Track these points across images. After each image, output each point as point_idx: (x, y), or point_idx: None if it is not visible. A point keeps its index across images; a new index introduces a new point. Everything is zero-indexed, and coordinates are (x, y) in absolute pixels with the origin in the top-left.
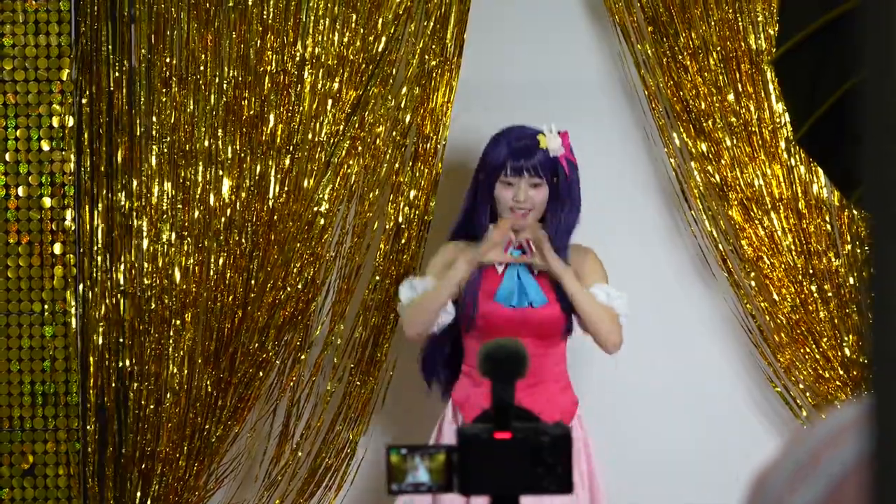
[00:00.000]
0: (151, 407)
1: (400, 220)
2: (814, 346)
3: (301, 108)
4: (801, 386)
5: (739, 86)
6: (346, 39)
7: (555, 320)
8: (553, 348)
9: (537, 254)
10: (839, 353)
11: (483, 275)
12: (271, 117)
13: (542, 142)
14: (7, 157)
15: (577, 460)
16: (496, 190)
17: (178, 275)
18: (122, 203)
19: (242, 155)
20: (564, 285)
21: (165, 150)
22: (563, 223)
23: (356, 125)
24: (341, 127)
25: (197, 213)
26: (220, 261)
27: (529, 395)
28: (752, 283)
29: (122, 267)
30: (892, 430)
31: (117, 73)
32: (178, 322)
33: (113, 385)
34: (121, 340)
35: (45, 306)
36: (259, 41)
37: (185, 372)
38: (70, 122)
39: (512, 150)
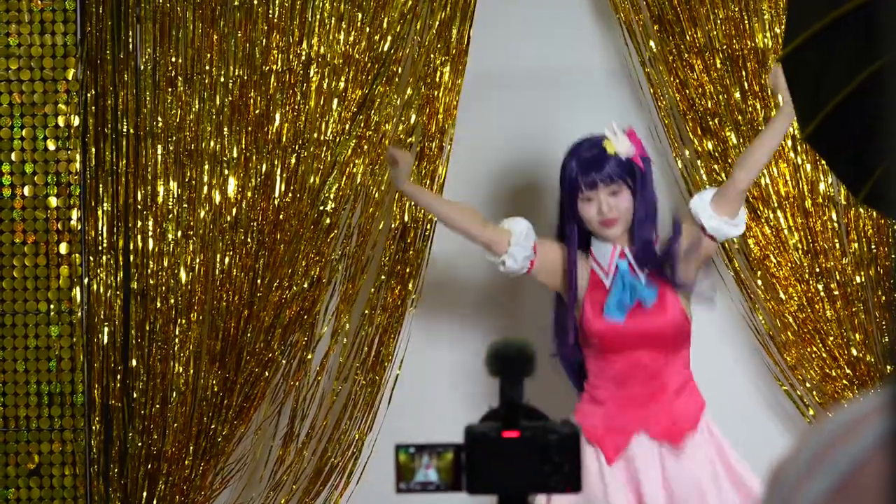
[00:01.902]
0: (157, 407)
1: (406, 219)
2: (820, 345)
3: (307, 107)
4: (807, 384)
5: (745, 84)
6: (351, 38)
7: (669, 326)
8: (672, 357)
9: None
10: (846, 352)
11: (590, 289)
12: (277, 116)
13: (609, 147)
14: (13, 156)
15: (709, 461)
16: (579, 208)
17: (183, 274)
18: (128, 202)
19: (248, 154)
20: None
21: (171, 150)
22: (646, 223)
23: (362, 124)
24: (347, 126)
25: (203, 213)
26: (226, 260)
27: (642, 406)
28: (759, 282)
29: (128, 266)
30: None
31: (123, 73)
32: (183, 321)
33: (119, 385)
34: (126, 340)
35: (51, 306)
36: (265, 40)
37: (191, 371)
38: (76, 121)
39: (581, 164)
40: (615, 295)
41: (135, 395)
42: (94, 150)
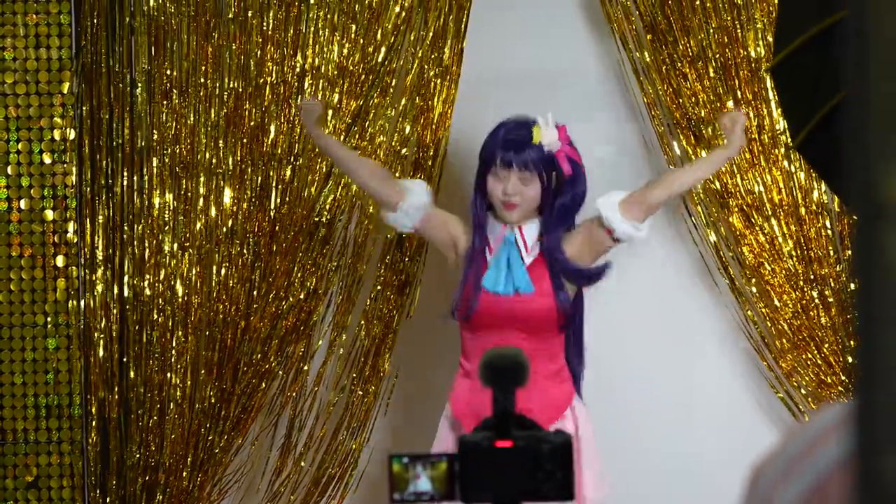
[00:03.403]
0: (154, 418)
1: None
2: (815, 352)
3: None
4: (803, 391)
5: (738, 93)
6: (345, 50)
7: (545, 312)
8: (543, 344)
9: (734, 133)
10: (841, 359)
11: (473, 262)
12: (272, 128)
13: (536, 135)
14: (9, 170)
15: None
16: (488, 182)
17: (180, 286)
18: (124, 215)
19: (243, 166)
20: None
21: (167, 162)
22: (557, 218)
23: (356, 135)
24: (342, 137)
25: (198, 224)
26: (222, 271)
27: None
28: (754, 290)
29: (125, 279)
30: (874, 431)
31: (118, 86)
32: (180, 333)
33: (116, 397)
34: (123, 352)
35: (48, 319)
36: (259, 52)
37: (188, 383)
38: (71, 134)
39: (504, 142)
40: (494, 266)
41: (132, 407)
42: (89, 162)
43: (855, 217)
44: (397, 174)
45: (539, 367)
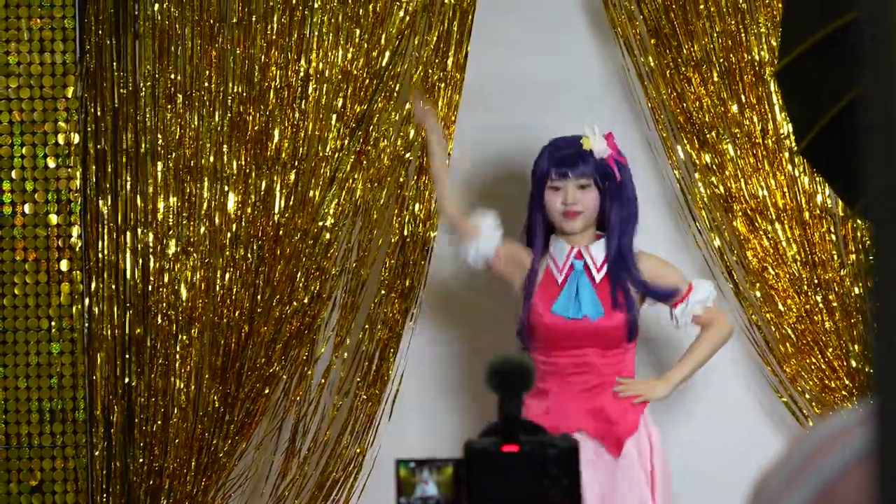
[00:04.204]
0: (158, 423)
1: (405, 233)
2: (819, 356)
3: (306, 123)
4: (807, 396)
5: (743, 97)
6: (349, 55)
7: (613, 330)
8: (613, 357)
9: (646, 394)
10: (845, 363)
11: (543, 284)
12: (276, 132)
13: (586, 144)
14: (13, 174)
15: (640, 461)
16: (545, 197)
17: (184, 290)
18: (128, 219)
19: (247, 170)
20: (689, 377)
21: (171, 166)
22: (624, 227)
23: (361, 140)
24: (346, 142)
25: (203, 229)
26: (227, 276)
27: (589, 399)
28: (758, 294)
29: (129, 283)
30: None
31: (122, 90)
32: (184, 337)
33: (120, 401)
34: (127, 356)
35: (52, 323)
36: (263, 57)
37: (192, 387)
38: (75, 139)
39: (556, 158)
40: (566, 293)
41: (136, 412)
42: (94, 167)
43: (869, 218)
44: (401, 178)
45: (608, 377)
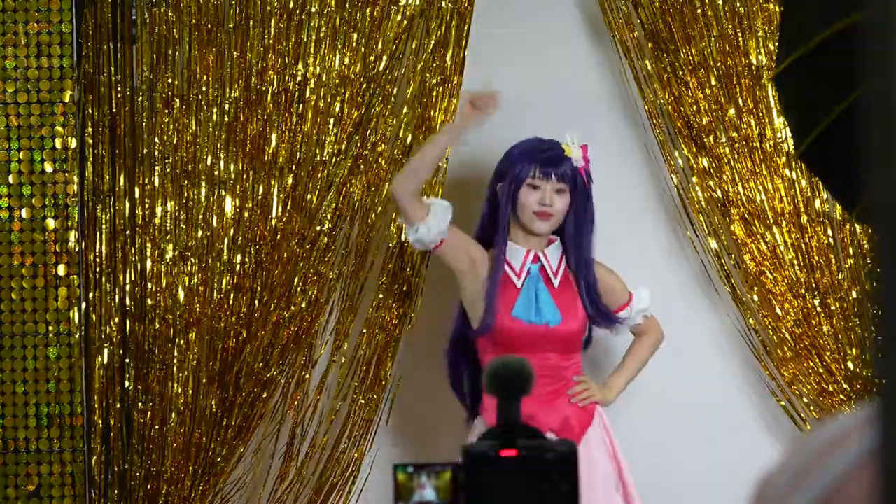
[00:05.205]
0: (156, 427)
1: (402, 238)
2: (817, 360)
3: (303, 127)
4: (804, 400)
5: (740, 101)
6: (347, 59)
7: (573, 335)
8: (572, 360)
9: (594, 395)
10: (843, 367)
11: (502, 287)
12: (273, 137)
13: (567, 150)
14: (10, 179)
15: (600, 461)
16: (521, 194)
17: (181, 295)
18: (126, 224)
19: (245, 175)
20: (630, 380)
21: (168, 171)
22: (586, 237)
23: (358, 144)
24: (343, 146)
25: (200, 233)
26: (224, 280)
27: (548, 403)
28: (755, 298)
29: (126, 287)
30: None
31: (119, 94)
32: (182, 342)
33: (118, 406)
34: (125, 361)
35: (50, 328)
36: (261, 61)
37: (190, 392)
38: (73, 143)
39: (540, 154)
40: (524, 298)
41: (134, 416)
42: (91, 171)
43: (873, 220)
44: None
45: (567, 381)
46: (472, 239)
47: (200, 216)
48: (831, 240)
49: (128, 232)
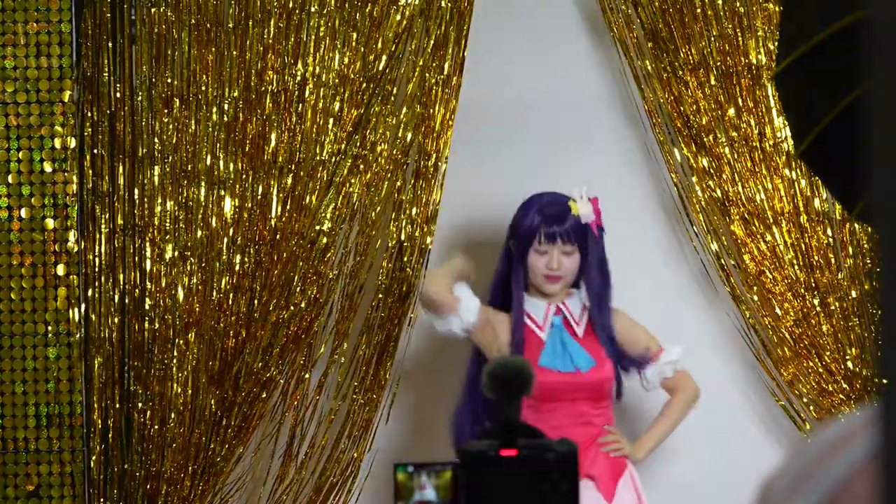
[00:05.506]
0: (156, 427)
1: (402, 238)
2: (817, 360)
3: (302, 127)
4: (804, 399)
5: (740, 100)
6: (346, 58)
7: (601, 382)
8: (602, 407)
9: (624, 451)
10: (842, 367)
11: (526, 340)
12: (273, 136)
13: (574, 208)
14: (10, 178)
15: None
16: (529, 258)
17: (181, 294)
18: (125, 223)
19: (244, 174)
20: (661, 441)
21: (168, 170)
22: (601, 289)
23: (358, 144)
24: (343, 146)
25: (199, 233)
26: (223, 280)
27: (592, 450)
28: (755, 298)
29: (126, 287)
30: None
31: (119, 94)
32: (181, 342)
33: (117, 406)
34: (124, 361)
35: (49, 328)
36: (260, 61)
37: (189, 392)
38: (72, 143)
39: (544, 217)
40: (550, 349)
41: (133, 416)
42: (90, 171)
43: (873, 219)
44: (398, 182)
45: (601, 428)
46: (489, 303)
47: (200, 216)
48: (831, 239)
49: (127, 232)
